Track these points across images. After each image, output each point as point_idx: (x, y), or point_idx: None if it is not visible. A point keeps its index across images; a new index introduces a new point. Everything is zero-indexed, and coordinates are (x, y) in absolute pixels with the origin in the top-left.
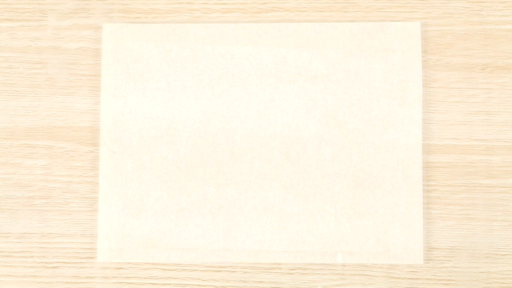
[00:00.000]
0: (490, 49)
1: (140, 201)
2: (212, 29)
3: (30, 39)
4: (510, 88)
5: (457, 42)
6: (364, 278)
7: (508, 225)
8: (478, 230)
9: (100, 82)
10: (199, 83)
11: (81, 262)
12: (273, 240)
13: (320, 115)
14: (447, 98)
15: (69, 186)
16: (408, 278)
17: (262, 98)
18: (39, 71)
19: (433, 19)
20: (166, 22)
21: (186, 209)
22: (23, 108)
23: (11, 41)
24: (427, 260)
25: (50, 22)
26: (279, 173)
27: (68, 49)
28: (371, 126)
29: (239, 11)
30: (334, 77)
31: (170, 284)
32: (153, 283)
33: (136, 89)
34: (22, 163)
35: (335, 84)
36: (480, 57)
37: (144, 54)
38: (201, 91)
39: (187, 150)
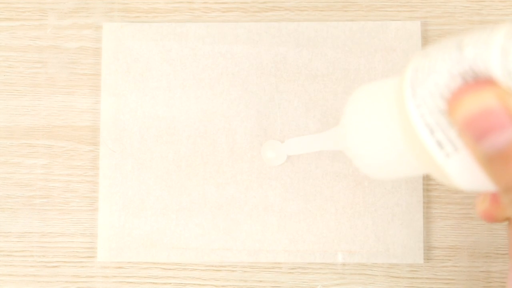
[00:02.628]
0: None
1: (140, 200)
2: (212, 28)
3: (30, 38)
4: None
5: None
6: (364, 278)
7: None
8: (478, 229)
9: (100, 81)
10: (199, 82)
11: (81, 261)
12: (273, 239)
13: (320, 114)
14: None
15: (69, 186)
16: (408, 277)
17: (262, 97)
18: (39, 70)
19: (433, 18)
20: (166, 21)
21: (186, 208)
22: (23, 107)
23: (11, 40)
24: (427, 259)
25: (50, 21)
26: (279, 172)
27: (68, 48)
28: None
29: (239, 10)
30: (334, 76)
31: (170, 283)
32: (153, 282)
33: (136, 88)
34: (22, 162)
35: (335, 83)
36: None
37: (144, 53)
38: (201, 90)
39: (187, 149)
